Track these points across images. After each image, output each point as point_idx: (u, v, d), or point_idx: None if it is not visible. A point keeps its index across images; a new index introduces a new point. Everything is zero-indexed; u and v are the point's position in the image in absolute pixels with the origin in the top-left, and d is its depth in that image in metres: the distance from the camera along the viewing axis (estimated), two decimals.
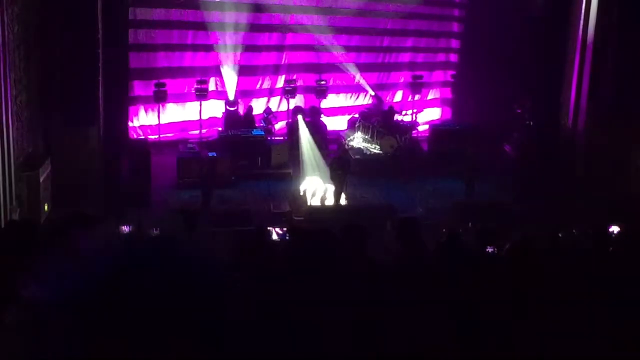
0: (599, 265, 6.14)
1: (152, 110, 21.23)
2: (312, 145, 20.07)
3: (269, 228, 13.31)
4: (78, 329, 1.93)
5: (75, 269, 2.01)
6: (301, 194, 17.95)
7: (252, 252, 6.56)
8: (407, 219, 6.66)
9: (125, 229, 11.87)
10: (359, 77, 23.16)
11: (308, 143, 20.16)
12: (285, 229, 13.55)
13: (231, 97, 21.78)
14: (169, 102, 21.30)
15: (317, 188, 18.24)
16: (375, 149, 21.03)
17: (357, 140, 21.48)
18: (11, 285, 2.21)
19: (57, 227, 4.63)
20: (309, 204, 17.61)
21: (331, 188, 17.96)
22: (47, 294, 1.96)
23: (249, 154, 19.95)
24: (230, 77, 21.86)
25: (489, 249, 8.42)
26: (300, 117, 21.25)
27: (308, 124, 21.02)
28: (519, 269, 5.61)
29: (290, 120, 22.20)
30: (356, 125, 21.89)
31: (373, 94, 23.33)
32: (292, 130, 21.28)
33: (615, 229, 14.10)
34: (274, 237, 13.30)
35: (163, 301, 1.96)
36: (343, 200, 17.98)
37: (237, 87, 21.97)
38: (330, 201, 17.88)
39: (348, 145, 21.02)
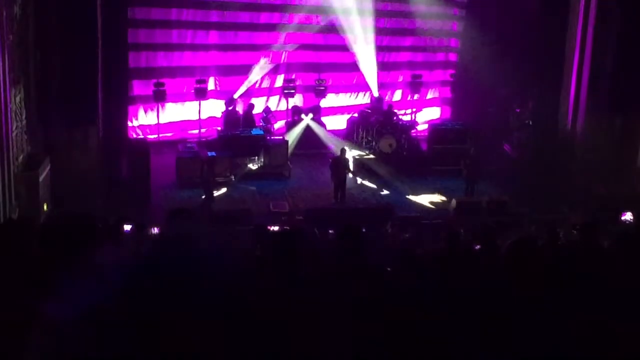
0: (595, 262, 6.14)
1: (152, 110, 21.23)
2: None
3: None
4: (101, 344, 1.92)
5: (94, 283, 2.01)
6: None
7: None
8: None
9: (127, 227, 11.83)
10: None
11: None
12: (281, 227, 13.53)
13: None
14: (168, 102, 21.29)
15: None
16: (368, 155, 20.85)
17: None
18: (32, 305, 2.21)
19: (68, 237, 4.63)
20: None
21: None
22: (68, 311, 1.96)
23: (248, 153, 19.95)
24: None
25: (476, 247, 8.39)
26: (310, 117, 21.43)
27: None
28: (517, 267, 5.60)
29: (290, 119, 22.20)
30: (355, 126, 21.89)
31: (377, 95, 23.27)
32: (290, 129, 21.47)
33: (628, 216, 14.19)
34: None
35: (185, 305, 1.95)
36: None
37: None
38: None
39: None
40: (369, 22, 22.34)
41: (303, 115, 21.75)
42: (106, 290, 1.99)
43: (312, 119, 21.83)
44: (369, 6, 22.13)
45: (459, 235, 8.74)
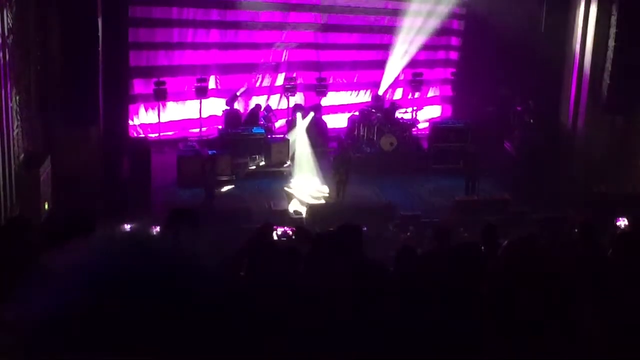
0: (594, 262, 6.15)
1: (152, 108, 21.23)
2: (307, 144, 20.28)
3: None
4: (64, 347, 1.91)
5: (49, 287, 2.00)
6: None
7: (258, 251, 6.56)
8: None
9: (126, 227, 11.85)
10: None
11: (303, 142, 20.34)
12: (286, 227, 13.53)
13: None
14: (169, 101, 21.29)
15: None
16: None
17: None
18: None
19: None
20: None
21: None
22: (31, 315, 1.94)
23: (249, 152, 19.97)
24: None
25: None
26: (299, 115, 21.30)
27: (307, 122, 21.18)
28: (516, 268, 5.61)
29: (290, 118, 22.21)
30: (356, 124, 21.89)
31: (381, 93, 23.26)
32: (290, 128, 21.36)
33: (623, 222, 14.28)
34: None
35: (149, 310, 1.93)
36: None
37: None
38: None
39: None
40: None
41: (299, 115, 21.65)
42: (67, 293, 1.97)
43: (308, 127, 21.53)
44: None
45: (448, 233, 8.77)
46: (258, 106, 21.53)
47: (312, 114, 21.50)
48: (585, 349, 4.16)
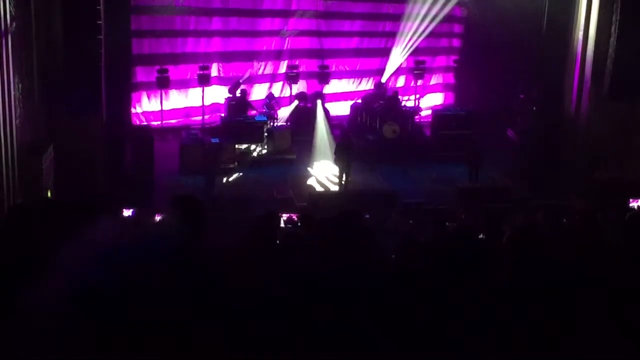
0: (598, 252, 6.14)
1: (155, 96, 21.23)
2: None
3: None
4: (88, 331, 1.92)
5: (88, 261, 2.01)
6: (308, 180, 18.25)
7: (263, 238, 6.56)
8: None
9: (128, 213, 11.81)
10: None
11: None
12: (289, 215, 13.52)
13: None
14: (171, 88, 21.28)
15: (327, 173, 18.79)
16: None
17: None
18: (11, 294, 2.20)
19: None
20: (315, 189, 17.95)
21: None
22: (56, 294, 1.96)
23: (251, 139, 19.96)
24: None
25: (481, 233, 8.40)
26: (319, 102, 21.32)
27: (310, 110, 21.16)
28: (520, 257, 5.60)
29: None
30: (359, 112, 21.85)
31: (384, 81, 23.20)
32: (306, 115, 21.29)
33: (637, 204, 14.29)
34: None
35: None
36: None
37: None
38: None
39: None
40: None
41: (295, 102, 21.65)
42: (101, 270, 1.98)
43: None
44: None
45: (445, 221, 8.82)
46: (244, 92, 21.42)
47: (319, 102, 21.44)
48: (589, 342, 4.17)
